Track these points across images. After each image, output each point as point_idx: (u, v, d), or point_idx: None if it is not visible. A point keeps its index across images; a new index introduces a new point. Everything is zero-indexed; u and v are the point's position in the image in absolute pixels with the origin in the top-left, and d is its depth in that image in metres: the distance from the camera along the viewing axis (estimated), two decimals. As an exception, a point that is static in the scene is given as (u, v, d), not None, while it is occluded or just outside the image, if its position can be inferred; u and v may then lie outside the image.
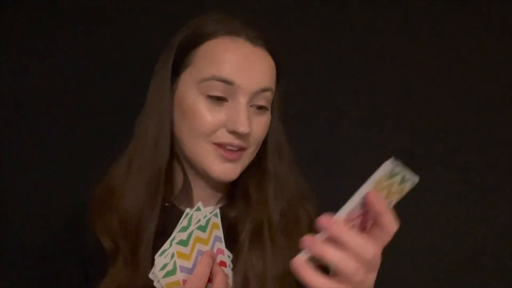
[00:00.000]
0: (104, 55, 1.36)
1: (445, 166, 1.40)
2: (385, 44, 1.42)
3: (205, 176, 0.92)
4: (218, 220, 0.81)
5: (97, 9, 1.36)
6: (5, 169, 1.30)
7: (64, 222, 1.05)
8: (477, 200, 1.40)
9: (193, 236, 0.77)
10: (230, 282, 0.83)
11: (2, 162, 1.31)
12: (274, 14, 1.41)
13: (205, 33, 0.89)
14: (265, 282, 0.85)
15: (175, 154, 0.94)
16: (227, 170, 0.88)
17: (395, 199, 0.63)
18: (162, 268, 0.75)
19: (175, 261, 0.75)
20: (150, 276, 0.77)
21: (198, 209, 0.80)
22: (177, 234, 0.77)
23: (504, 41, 1.40)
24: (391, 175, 0.57)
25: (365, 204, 0.58)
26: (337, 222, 0.58)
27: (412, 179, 0.61)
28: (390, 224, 0.59)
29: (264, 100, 0.89)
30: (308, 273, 0.59)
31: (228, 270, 0.83)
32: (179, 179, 0.95)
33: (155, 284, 0.77)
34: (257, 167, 0.95)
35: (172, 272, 0.75)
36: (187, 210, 0.80)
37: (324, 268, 0.60)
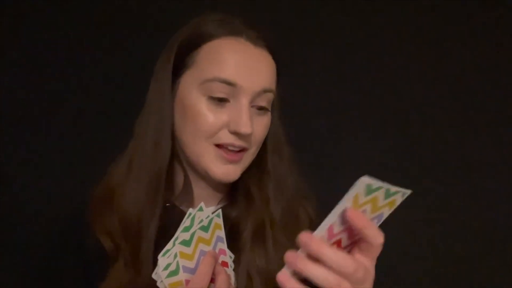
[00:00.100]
0: (103, 55, 1.36)
1: (445, 166, 1.41)
2: (385, 44, 1.42)
3: (206, 177, 0.92)
4: (220, 221, 0.81)
5: (97, 9, 1.36)
6: (5, 169, 1.30)
7: (64, 222, 1.05)
8: (477, 200, 1.40)
9: (196, 236, 0.77)
10: (232, 282, 0.83)
11: (2, 162, 1.30)
12: (274, 14, 1.41)
13: (206, 34, 0.88)
14: (268, 280, 0.85)
15: (175, 154, 0.93)
16: (228, 171, 0.88)
17: (386, 212, 0.63)
18: (165, 268, 0.75)
19: (178, 261, 0.75)
20: (153, 276, 0.77)
21: (201, 209, 0.80)
22: (180, 234, 0.77)
23: (504, 41, 1.41)
24: (369, 191, 0.57)
25: (345, 221, 0.58)
26: (316, 240, 0.58)
27: (401, 192, 0.61)
28: (375, 237, 0.59)
29: (265, 101, 0.89)
30: (294, 287, 0.61)
31: (230, 271, 0.83)
32: (179, 179, 0.95)
33: (158, 284, 0.76)
34: (257, 167, 0.95)
35: (175, 272, 0.75)
36: (190, 210, 0.80)
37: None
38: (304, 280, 0.61)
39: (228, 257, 0.83)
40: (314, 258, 0.59)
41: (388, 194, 0.60)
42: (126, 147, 0.97)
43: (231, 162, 0.88)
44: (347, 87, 1.42)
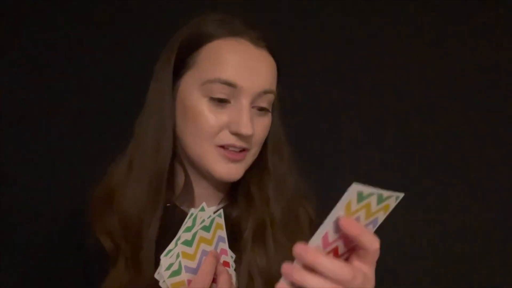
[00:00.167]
0: (103, 55, 1.36)
1: (445, 166, 1.41)
2: (385, 44, 1.42)
3: (207, 176, 0.92)
4: (221, 220, 0.81)
5: (97, 9, 1.36)
6: (5, 169, 1.30)
7: (64, 222, 1.05)
8: (477, 200, 1.40)
9: (198, 236, 0.77)
10: (234, 282, 0.83)
11: (2, 162, 1.30)
12: (274, 14, 1.41)
13: (207, 34, 0.88)
14: (269, 280, 0.85)
15: (176, 154, 0.93)
16: (231, 170, 0.88)
17: (380, 216, 0.63)
18: (168, 268, 0.75)
19: (180, 261, 0.75)
20: (156, 276, 0.77)
21: (203, 210, 0.80)
22: (182, 234, 0.77)
23: (504, 41, 1.41)
24: (361, 198, 0.57)
25: (339, 229, 0.58)
26: (311, 250, 0.58)
27: (394, 196, 0.60)
28: (370, 243, 0.59)
29: (265, 102, 0.90)
30: None
31: (231, 271, 0.83)
32: (180, 179, 0.95)
33: (160, 284, 0.76)
34: (258, 167, 0.95)
35: (177, 272, 0.75)
36: (192, 210, 0.80)
37: None
38: None
39: (229, 257, 0.83)
40: (311, 268, 0.59)
41: (381, 199, 0.60)
42: (126, 147, 0.96)
43: (234, 161, 0.88)
44: (347, 87, 1.42)
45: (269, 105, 0.91)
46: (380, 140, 1.41)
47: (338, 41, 1.42)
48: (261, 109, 0.90)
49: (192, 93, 0.87)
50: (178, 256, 0.75)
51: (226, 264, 0.82)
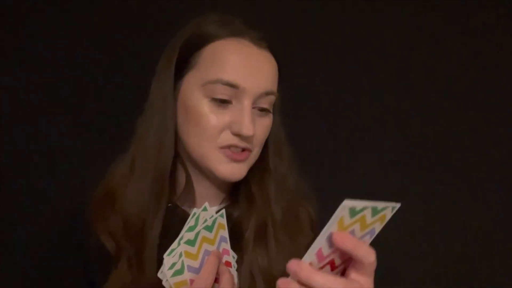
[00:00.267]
0: (104, 55, 1.36)
1: (445, 166, 1.41)
2: (385, 45, 1.42)
3: (208, 176, 0.92)
4: (224, 221, 0.81)
5: (97, 9, 1.36)
6: (5, 169, 1.30)
7: (65, 222, 1.04)
8: (477, 200, 1.40)
9: (200, 236, 0.77)
10: (236, 282, 0.83)
11: (2, 162, 1.30)
12: (274, 14, 1.41)
13: (209, 35, 0.88)
14: (270, 280, 0.85)
15: (177, 154, 0.93)
16: (234, 170, 0.88)
17: (377, 227, 0.63)
18: (171, 267, 0.75)
19: (183, 261, 0.75)
20: (159, 275, 0.77)
21: (205, 209, 0.80)
22: (185, 234, 0.77)
23: (504, 41, 1.41)
24: (354, 213, 0.57)
25: (333, 244, 0.58)
26: (305, 266, 0.59)
27: (390, 206, 0.60)
28: (365, 256, 0.59)
29: (267, 103, 0.90)
30: None
31: (233, 271, 0.83)
32: (181, 179, 0.95)
33: (163, 283, 0.76)
34: (259, 167, 0.95)
35: (180, 272, 0.75)
36: (194, 210, 0.80)
37: None
38: None
39: (231, 257, 0.83)
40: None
41: (375, 212, 0.60)
42: (126, 147, 0.96)
43: (236, 161, 0.88)
44: (347, 87, 1.43)
45: (270, 106, 0.91)
46: (380, 140, 1.42)
47: (338, 41, 1.43)
48: (262, 109, 0.90)
49: (194, 93, 0.87)
50: (180, 255, 0.75)
51: (228, 264, 0.82)
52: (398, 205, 0.61)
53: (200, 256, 0.77)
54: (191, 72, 0.88)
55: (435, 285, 1.40)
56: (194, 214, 0.79)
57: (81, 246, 0.93)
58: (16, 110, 1.32)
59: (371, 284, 0.62)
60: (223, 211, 0.82)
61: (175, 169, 0.94)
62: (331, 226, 0.57)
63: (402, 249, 1.39)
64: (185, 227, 0.78)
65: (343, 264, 0.63)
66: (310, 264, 0.60)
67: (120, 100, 1.34)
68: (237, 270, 0.85)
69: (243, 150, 0.88)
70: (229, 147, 0.87)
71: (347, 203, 0.55)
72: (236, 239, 0.88)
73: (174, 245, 0.76)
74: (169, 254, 0.76)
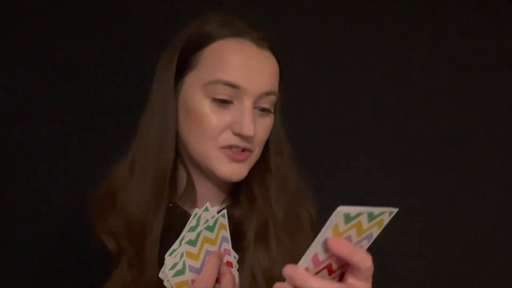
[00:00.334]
0: (104, 55, 1.36)
1: (445, 166, 1.41)
2: (385, 45, 1.42)
3: (209, 176, 0.92)
4: (225, 221, 0.81)
5: (97, 9, 1.36)
6: (5, 169, 1.30)
7: (65, 223, 1.04)
8: (477, 200, 1.41)
9: (201, 236, 0.77)
10: (237, 282, 0.83)
11: (2, 162, 1.30)
12: (274, 14, 1.41)
13: (210, 35, 0.88)
14: (272, 280, 0.85)
15: (178, 154, 0.93)
16: (234, 170, 0.88)
17: (374, 232, 0.63)
18: (172, 268, 0.75)
19: (184, 261, 0.74)
20: (160, 275, 0.77)
21: (206, 210, 0.80)
22: (186, 234, 0.77)
23: (504, 41, 1.41)
24: (349, 219, 0.57)
25: (328, 249, 0.58)
26: (301, 271, 0.59)
27: (387, 211, 0.60)
28: (361, 262, 0.59)
29: (268, 103, 0.90)
30: None
31: (234, 271, 0.83)
32: (182, 179, 0.95)
33: (164, 283, 0.76)
34: (260, 167, 0.95)
35: (181, 272, 0.75)
36: (196, 210, 0.80)
37: None
38: None
39: (232, 257, 0.83)
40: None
41: (372, 217, 0.59)
42: (126, 147, 0.96)
43: (237, 161, 0.88)
44: (347, 87, 1.43)
45: (271, 106, 0.91)
46: (380, 140, 1.42)
47: (338, 41, 1.43)
48: (263, 109, 0.90)
49: (195, 93, 0.87)
50: (182, 255, 0.75)
51: (229, 264, 0.82)
52: (395, 210, 0.61)
53: (202, 256, 0.77)
54: (192, 72, 0.88)
55: (435, 285, 1.40)
56: (196, 214, 0.79)
57: (82, 246, 0.93)
58: (16, 110, 1.31)
59: None
60: (225, 211, 0.82)
61: (176, 169, 0.94)
62: (325, 232, 0.57)
63: (402, 249, 1.39)
64: (187, 227, 0.78)
65: (340, 268, 0.63)
66: (306, 269, 0.60)
67: (120, 100, 1.34)
68: (238, 270, 0.85)
69: (244, 150, 0.88)
70: (230, 147, 0.87)
71: (341, 209, 0.55)
72: (237, 239, 0.88)
73: (175, 245, 0.76)
74: (170, 255, 0.76)
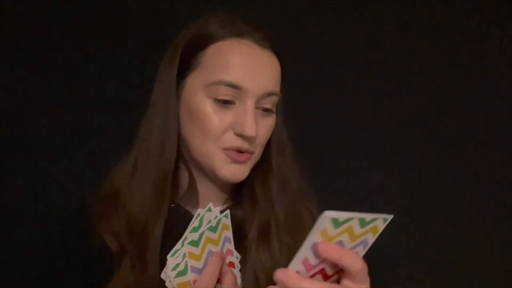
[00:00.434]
0: (104, 55, 1.36)
1: (445, 166, 1.41)
2: (385, 45, 1.42)
3: (211, 177, 0.92)
4: (228, 221, 0.81)
5: (98, 9, 1.36)
6: (5, 169, 1.30)
7: (66, 223, 1.04)
8: (477, 200, 1.41)
9: (204, 236, 0.77)
10: (239, 283, 0.83)
11: (2, 162, 1.30)
12: (274, 14, 1.41)
13: (211, 35, 0.88)
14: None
15: (180, 155, 0.93)
16: (235, 171, 0.88)
17: (369, 238, 0.62)
18: (174, 268, 0.75)
19: (186, 261, 0.74)
20: (162, 276, 0.77)
21: (209, 210, 0.80)
22: (189, 235, 0.76)
23: (504, 41, 1.42)
24: (338, 224, 0.57)
25: (319, 254, 0.58)
26: (292, 274, 0.59)
27: (381, 218, 0.60)
28: (351, 265, 0.58)
29: (270, 103, 0.89)
30: None
31: (237, 271, 0.83)
32: (184, 180, 0.95)
33: (167, 284, 0.76)
34: (261, 167, 0.95)
35: (183, 272, 0.75)
36: (199, 210, 0.80)
37: None
38: None
39: (235, 257, 0.83)
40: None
41: (364, 223, 0.59)
42: (126, 147, 0.96)
43: (238, 162, 0.88)
44: (348, 87, 1.43)
45: (273, 106, 0.91)
46: (381, 140, 1.42)
47: (338, 41, 1.43)
48: (265, 110, 0.89)
49: (197, 94, 0.87)
50: (184, 256, 0.75)
51: (231, 264, 0.82)
52: (390, 216, 0.60)
53: (204, 256, 0.77)
54: (194, 73, 0.88)
55: (435, 285, 1.40)
56: (198, 215, 0.79)
57: (82, 246, 0.93)
58: (16, 110, 1.31)
59: None
60: (228, 211, 0.82)
61: (178, 169, 0.94)
62: (313, 236, 0.57)
63: (402, 249, 1.39)
64: (189, 228, 0.78)
65: (337, 274, 0.63)
66: (297, 272, 0.59)
67: (121, 100, 1.34)
68: (240, 270, 0.85)
69: (246, 151, 0.88)
70: (232, 149, 0.87)
71: (327, 214, 0.55)
72: (239, 240, 0.88)
73: (177, 246, 0.76)
74: (172, 255, 0.76)
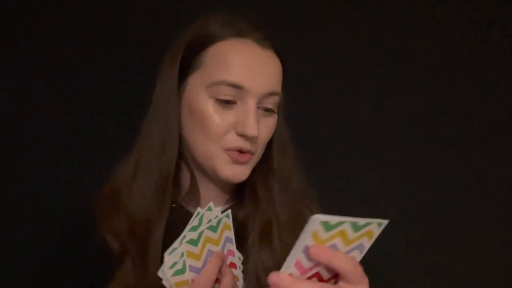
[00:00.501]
0: (104, 55, 1.36)
1: (445, 166, 1.41)
2: (385, 45, 1.42)
3: (212, 177, 0.92)
4: (229, 221, 0.81)
5: (98, 9, 1.35)
6: (6, 169, 1.30)
7: (67, 223, 1.04)
8: (477, 200, 1.41)
9: (204, 236, 0.76)
10: (240, 283, 0.83)
11: (2, 162, 1.30)
12: (273, 14, 1.41)
13: (213, 35, 0.88)
14: None
15: (182, 155, 0.93)
16: (236, 171, 0.88)
17: (365, 243, 0.62)
18: (172, 267, 0.74)
19: (184, 260, 0.74)
20: (159, 273, 0.76)
21: (210, 209, 0.80)
22: (188, 233, 0.76)
23: (504, 41, 1.42)
24: (329, 227, 0.57)
25: (311, 257, 0.58)
26: (285, 277, 0.59)
27: (375, 222, 0.60)
28: (342, 265, 0.59)
29: (271, 103, 0.89)
30: None
31: (238, 272, 0.83)
32: (186, 179, 0.95)
33: (163, 282, 0.76)
34: (263, 168, 0.95)
35: (181, 271, 0.74)
36: (198, 209, 0.79)
37: None
38: None
39: (236, 258, 0.83)
40: None
41: (357, 227, 0.59)
42: (126, 147, 0.96)
43: (239, 163, 0.88)
44: (348, 87, 1.43)
45: (275, 106, 0.91)
46: (381, 140, 1.42)
47: (338, 41, 1.43)
48: (267, 110, 0.89)
49: (198, 94, 0.87)
50: (182, 255, 0.74)
51: (233, 265, 0.81)
52: (385, 221, 0.61)
53: (203, 256, 0.76)
54: (195, 73, 0.88)
55: (435, 285, 1.40)
56: (198, 213, 0.78)
57: (82, 247, 0.93)
58: (16, 110, 1.31)
59: None
60: (229, 211, 0.81)
61: (179, 170, 0.94)
62: (304, 239, 0.57)
63: (402, 249, 1.39)
64: (188, 227, 0.77)
65: (334, 278, 0.63)
66: (291, 275, 0.60)
67: (121, 100, 1.34)
68: (242, 271, 0.85)
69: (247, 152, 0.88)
70: (234, 149, 0.87)
71: (316, 217, 0.55)
72: (241, 240, 0.88)
73: (175, 244, 0.75)
74: (170, 253, 0.75)
